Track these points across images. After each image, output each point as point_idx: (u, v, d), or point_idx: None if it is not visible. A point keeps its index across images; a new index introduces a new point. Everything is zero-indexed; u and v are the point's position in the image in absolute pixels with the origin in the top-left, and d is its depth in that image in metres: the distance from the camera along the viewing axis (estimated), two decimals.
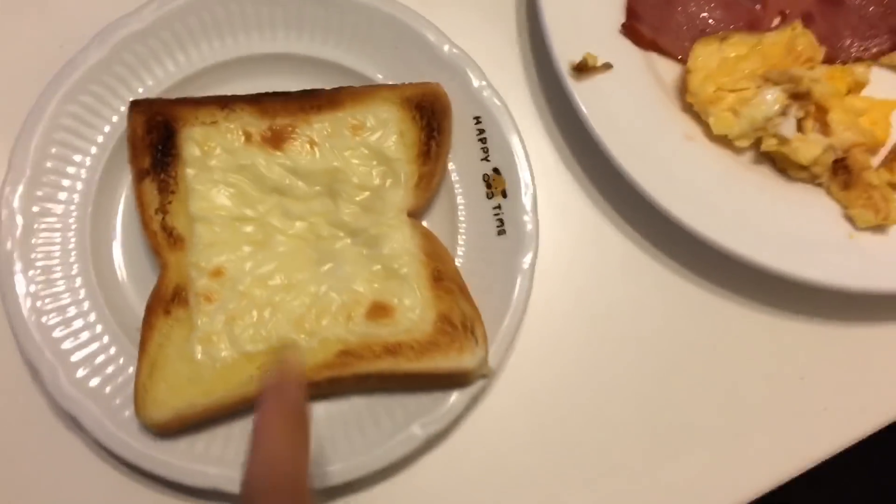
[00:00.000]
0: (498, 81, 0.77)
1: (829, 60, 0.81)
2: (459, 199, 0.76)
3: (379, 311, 0.70)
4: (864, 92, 0.81)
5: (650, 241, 0.77)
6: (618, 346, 0.75)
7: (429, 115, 0.74)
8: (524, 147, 0.75)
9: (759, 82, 0.76)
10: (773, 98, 0.75)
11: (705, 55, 0.78)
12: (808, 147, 0.75)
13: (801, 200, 0.76)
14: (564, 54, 0.76)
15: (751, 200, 0.75)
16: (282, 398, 0.50)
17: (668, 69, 0.80)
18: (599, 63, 0.76)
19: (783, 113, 0.75)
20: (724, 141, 0.77)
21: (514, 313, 0.72)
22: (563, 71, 0.75)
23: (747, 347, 0.75)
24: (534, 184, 0.74)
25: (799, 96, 0.75)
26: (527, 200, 0.74)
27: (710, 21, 0.81)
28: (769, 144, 0.76)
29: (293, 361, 0.53)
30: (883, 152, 0.80)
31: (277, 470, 0.46)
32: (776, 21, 0.82)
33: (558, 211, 0.78)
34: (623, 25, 0.78)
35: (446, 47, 0.76)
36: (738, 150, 0.78)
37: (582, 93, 0.75)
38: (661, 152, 0.75)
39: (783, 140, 0.75)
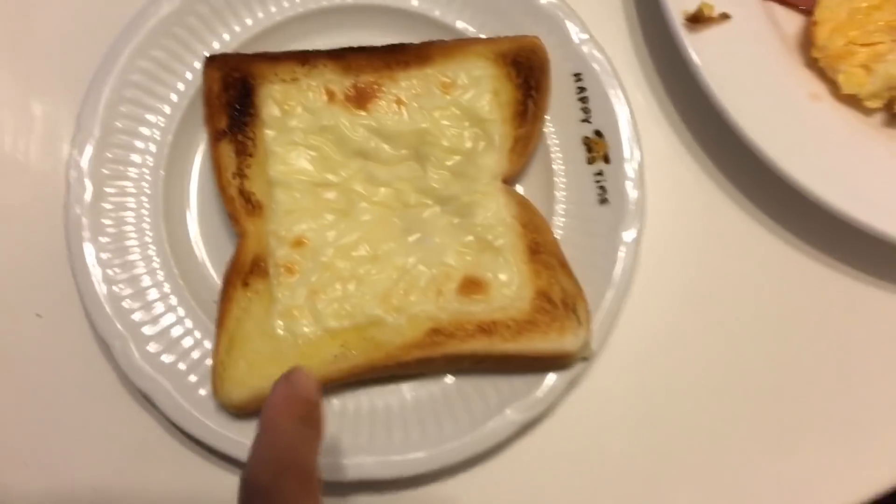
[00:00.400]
0: (600, 34, 0.71)
1: None
2: (558, 165, 0.70)
3: (472, 286, 0.64)
4: None
5: (768, 213, 0.71)
6: (729, 329, 0.69)
7: (526, 71, 0.67)
8: (629, 108, 0.68)
9: (893, 35, 0.67)
10: None
11: (834, 5, 0.70)
12: None
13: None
14: (677, 3, 0.68)
15: (882, 168, 0.68)
16: (292, 390, 0.47)
17: (791, 21, 0.72)
18: (716, 13, 0.68)
19: None
20: (853, 101, 0.70)
21: (617, 290, 0.66)
22: (675, 21, 0.68)
23: (875, 332, 0.68)
24: (640, 149, 0.67)
25: None
26: (631, 167, 0.67)
27: None
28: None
29: (304, 372, 0.49)
30: None
31: (283, 456, 0.43)
32: None
33: (667, 178, 0.72)
34: None
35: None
36: (869, 112, 0.70)
37: (697, 46, 0.68)
38: (783, 113, 0.68)
39: None
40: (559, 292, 0.64)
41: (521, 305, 0.64)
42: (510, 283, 0.64)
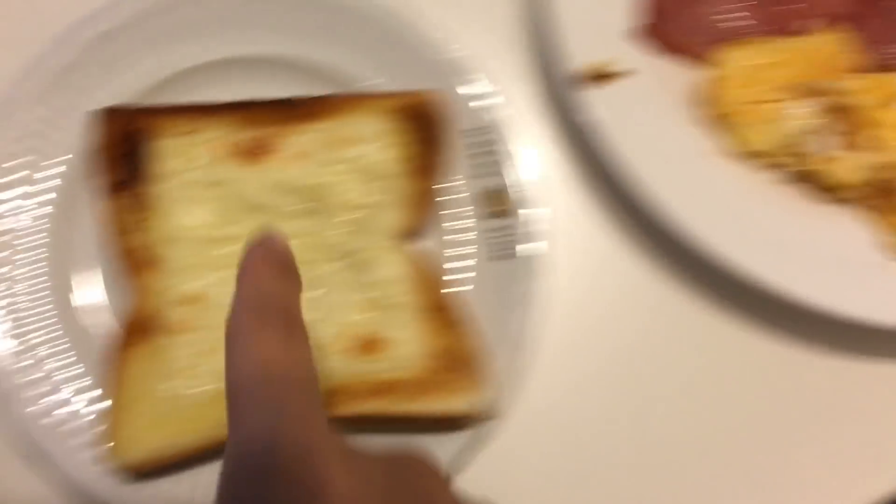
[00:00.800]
0: (507, 88, 0.70)
1: (881, 68, 0.73)
2: (461, 219, 0.69)
3: (370, 345, 0.63)
4: None
5: (677, 269, 0.71)
6: (641, 384, 0.69)
7: (425, 126, 0.67)
8: (533, 161, 0.68)
9: (793, 93, 0.68)
10: (809, 111, 0.67)
11: (736, 62, 0.70)
12: (850, 166, 0.67)
13: (834, 225, 0.69)
14: (577, 59, 0.68)
15: (778, 224, 0.68)
16: (267, 246, 0.44)
17: (690, 77, 0.72)
18: (614, 70, 0.69)
19: (820, 128, 0.67)
20: (748, 157, 0.70)
21: (522, 347, 0.65)
22: (574, 78, 0.67)
23: (789, 392, 0.69)
24: (544, 202, 0.67)
25: (839, 110, 0.68)
26: (535, 220, 0.67)
27: (747, 23, 0.74)
28: (802, 163, 0.68)
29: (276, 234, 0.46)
30: None
31: (266, 300, 0.41)
32: (821, 23, 0.74)
33: (572, 232, 0.71)
34: (647, 26, 0.70)
35: (447, 51, 0.69)
36: (765, 168, 0.70)
37: (596, 103, 0.68)
38: (682, 170, 0.68)
39: (818, 158, 0.68)
40: (458, 351, 0.63)
41: (420, 364, 0.63)
42: (408, 342, 0.63)
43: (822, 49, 0.70)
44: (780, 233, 0.68)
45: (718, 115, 0.70)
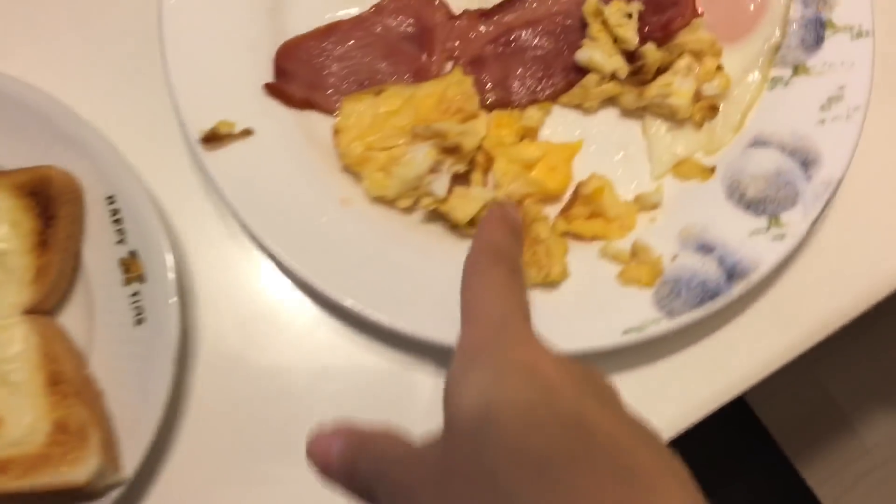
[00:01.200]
0: (139, 154, 0.72)
1: (503, 105, 0.76)
2: (96, 289, 0.70)
3: None
4: (551, 134, 0.76)
5: (335, 317, 0.72)
6: (297, 432, 0.69)
7: (45, 201, 0.67)
8: (164, 225, 0.69)
9: (408, 138, 0.70)
10: (422, 155, 0.69)
11: (357, 112, 0.72)
12: (466, 204, 0.70)
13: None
14: (196, 122, 0.70)
15: (412, 266, 0.70)
16: (504, 213, 0.57)
17: (328, 127, 0.74)
18: (238, 129, 0.70)
19: (434, 170, 0.70)
20: (386, 201, 0.72)
21: (155, 409, 0.66)
22: (195, 141, 0.69)
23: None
24: (180, 265, 0.69)
25: (451, 150, 0.70)
26: (168, 284, 0.68)
27: (375, 73, 0.76)
28: (426, 203, 0.71)
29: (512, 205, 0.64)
30: (566, 199, 0.74)
31: (499, 248, 0.53)
32: (448, 67, 0.77)
33: (222, 290, 0.73)
34: (267, 86, 0.72)
35: (73, 123, 0.70)
36: (406, 210, 0.72)
37: (218, 163, 0.69)
38: (312, 222, 0.70)
39: (440, 198, 0.70)
40: (76, 422, 0.63)
41: (35, 440, 0.63)
42: (24, 418, 0.64)
43: (447, 92, 0.73)
44: (409, 273, 0.70)
45: (347, 165, 0.72)
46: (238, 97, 0.72)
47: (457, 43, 0.78)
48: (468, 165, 0.73)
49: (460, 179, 0.73)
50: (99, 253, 0.70)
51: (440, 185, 0.70)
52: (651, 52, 0.73)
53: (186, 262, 0.73)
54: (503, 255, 0.52)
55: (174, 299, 0.67)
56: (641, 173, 0.76)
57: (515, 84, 0.77)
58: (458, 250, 0.71)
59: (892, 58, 0.80)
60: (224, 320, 0.73)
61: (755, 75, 0.76)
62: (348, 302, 0.67)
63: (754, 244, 0.71)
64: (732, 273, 0.69)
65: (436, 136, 0.70)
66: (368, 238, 0.71)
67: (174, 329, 0.67)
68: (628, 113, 0.77)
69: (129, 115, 0.75)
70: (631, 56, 0.74)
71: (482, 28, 0.78)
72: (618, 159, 0.76)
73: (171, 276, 0.68)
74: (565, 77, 0.77)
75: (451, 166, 0.71)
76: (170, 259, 0.68)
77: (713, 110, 0.75)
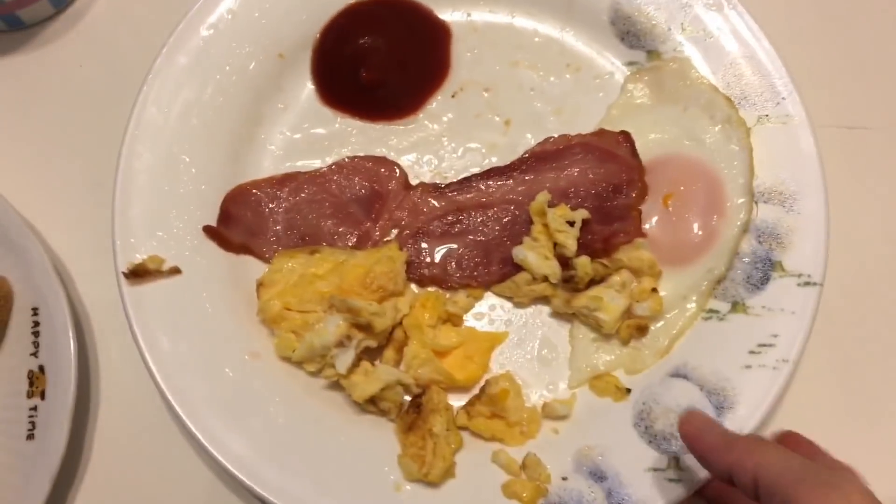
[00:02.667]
0: (77, 263, 0.75)
1: (437, 283, 0.76)
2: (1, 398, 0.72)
3: None
4: (479, 323, 0.76)
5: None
6: None
7: None
8: (76, 344, 0.71)
9: (326, 306, 0.71)
10: (333, 327, 0.70)
11: (286, 269, 0.74)
12: (368, 382, 0.70)
13: (363, 438, 0.71)
14: (128, 253, 0.72)
15: (300, 436, 0.71)
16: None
17: (261, 274, 0.75)
18: (166, 267, 0.72)
19: (342, 344, 0.70)
20: (294, 363, 0.73)
21: None
22: (121, 272, 0.71)
23: None
24: (81, 386, 0.71)
25: (363, 327, 0.71)
26: (64, 404, 0.70)
27: (317, 230, 0.77)
28: (329, 374, 0.71)
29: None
30: (476, 390, 0.74)
31: None
32: (393, 234, 0.78)
33: (123, 414, 0.76)
34: (205, 228, 0.74)
35: (17, 230, 0.74)
36: (313, 374, 0.73)
37: (136, 297, 0.71)
38: (215, 370, 0.71)
39: (344, 371, 0.70)
40: None
41: None
42: None
43: (375, 267, 0.73)
44: (296, 444, 0.70)
45: (263, 320, 0.73)
46: (176, 234, 0.74)
47: (405, 213, 0.78)
48: (384, 340, 0.73)
49: (375, 353, 0.74)
50: (12, 360, 0.73)
51: (343, 361, 0.71)
52: (583, 265, 0.72)
53: (98, 380, 0.75)
54: None
55: (66, 425, 0.69)
56: (559, 378, 0.75)
57: (452, 265, 0.77)
58: (354, 423, 0.71)
59: (837, 313, 0.77)
60: (120, 445, 0.74)
61: (692, 304, 0.75)
62: (227, 464, 0.67)
63: (648, 483, 0.69)
64: None
65: (350, 311, 0.70)
66: (266, 397, 0.72)
67: (59, 451, 0.69)
68: (561, 313, 0.76)
69: (77, 228, 0.77)
70: (567, 262, 0.74)
71: (434, 203, 0.79)
72: (539, 358, 0.76)
73: (70, 402, 0.70)
74: (501, 269, 0.77)
75: (362, 341, 0.72)
76: (72, 385, 0.70)
77: (642, 331, 0.74)
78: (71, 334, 0.71)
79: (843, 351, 0.77)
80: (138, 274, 0.72)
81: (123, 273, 0.72)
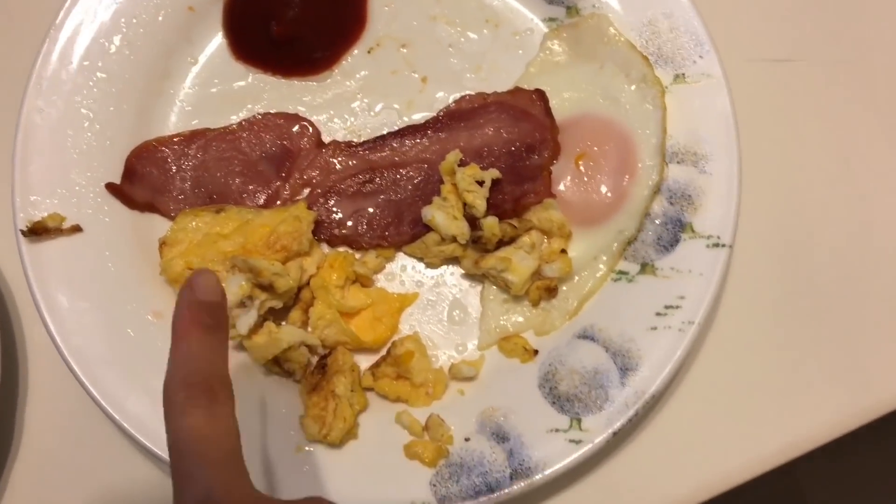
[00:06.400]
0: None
1: (348, 244, 0.76)
2: None
3: None
4: (390, 283, 0.75)
5: None
6: None
7: None
8: None
9: (230, 267, 0.70)
10: (235, 287, 0.69)
11: (190, 228, 0.73)
12: (271, 343, 0.69)
13: (266, 400, 0.71)
14: (27, 212, 0.71)
15: None
16: (195, 296, 0.52)
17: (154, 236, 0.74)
18: (66, 225, 0.71)
19: (244, 304, 0.69)
20: None
21: None
22: (19, 230, 0.70)
23: None
24: (7, 364, 0.72)
25: (266, 288, 0.70)
26: None
27: (225, 188, 0.76)
28: (232, 335, 0.70)
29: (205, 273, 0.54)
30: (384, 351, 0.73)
31: (193, 367, 0.50)
32: (304, 193, 0.77)
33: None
34: (108, 185, 0.73)
35: None
36: None
37: (36, 255, 0.70)
38: (117, 329, 0.70)
39: (247, 332, 0.70)
40: None
41: None
42: None
43: (280, 227, 0.72)
44: None
45: (166, 279, 0.72)
46: (79, 192, 0.73)
47: (316, 172, 0.77)
48: (291, 301, 0.72)
49: (280, 313, 0.73)
50: None
51: (244, 322, 0.70)
52: (490, 226, 0.72)
53: (25, 352, 0.75)
54: (199, 378, 0.50)
55: None
56: (468, 339, 0.75)
57: (363, 225, 0.76)
58: (260, 384, 0.71)
59: (749, 276, 0.77)
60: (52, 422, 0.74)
61: (602, 265, 0.74)
62: (124, 423, 0.67)
63: (549, 443, 0.69)
64: (517, 470, 0.68)
65: (251, 271, 0.69)
66: (167, 356, 0.71)
67: None
68: (472, 274, 0.76)
69: None
70: (476, 222, 0.73)
71: (346, 161, 0.78)
72: (450, 319, 0.75)
73: None
74: (412, 229, 0.76)
75: (265, 302, 0.71)
76: None
77: (551, 292, 0.74)
78: None
79: (753, 315, 0.77)
80: (37, 232, 0.70)
81: (22, 231, 0.70)
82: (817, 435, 0.74)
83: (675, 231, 0.74)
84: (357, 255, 0.76)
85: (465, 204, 0.73)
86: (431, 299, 0.76)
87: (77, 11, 0.77)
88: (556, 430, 0.69)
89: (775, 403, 0.75)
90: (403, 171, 0.77)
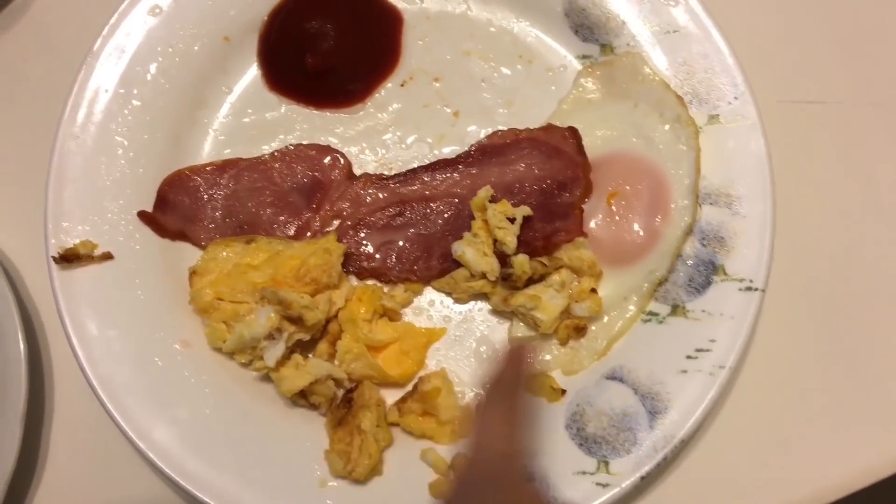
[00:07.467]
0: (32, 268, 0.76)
1: (377, 276, 0.75)
2: None
3: None
4: (418, 318, 0.75)
5: None
6: None
7: None
8: (26, 347, 0.71)
9: (259, 298, 0.70)
10: (264, 318, 0.69)
11: (221, 258, 0.73)
12: (297, 376, 0.69)
13: (291, 433, 0.70)
14: (59, 238, 0.71)
15: (228, 428, 0.70)
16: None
17: (195, 261, 0.74)
18: (98, 252, 0.71)
19: (272, 337, 0.69)
20: (225, 352, 0.72)
21: None
22: (50, 256, 0.70)
23: None
24: (34, 387, 0.73)
25: (294, 320, 0.69)
26: (16, 411, 0.71)
27: (256, 218, 0.76)
28: (259, 367, 0.70)
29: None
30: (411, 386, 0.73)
31: None
32: (334, 225, 0.76)
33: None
34: (140, 214, 0.73)
35: None
36: (245, 365, 0.72)
37: (66, 282, 0.70)
38: (144, 358, 0.70)
39: (273, 364, 0.70)
40: None
41: None
42: None
43: (311, 259, 0.72)
44: (223, 436, 0.69)
45: (195, 309, 0.72)
46: (111, 219, 0.73)
47: (347, 204, 0.77)
48: (318, 333, 0.72)
49: (311, 345, 0.73)
50: None
51: (272, 354, 0.70)
52: (521, 263, 0.71)
53: (52, 377, 0.75)
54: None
55: (18, 431, 0.70)
56: None
57: (392, 259, 0.76)
58: (285, 416, 0.70)
59: (780, 320, 0.76)
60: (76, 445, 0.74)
61: (632, 305, 0.73)
62: (149, 453, 0.67)
63: (575, 486, 0.68)
64: None
65: (280, 303, 0.69)
66: (195, 387, 0.71)
67: (12, 456, 0.70)
68: (500, 311, 0.75)
69: (27, 227, 0.77)
70: (507, 259, 0.72)
71: (377, 194, 0.77)
72: (476, 355, 0.75)
73: (21, 408, 0.70)
74: (441, 264, 0.75)
75: (293, 335, 0.71)
76: (23, 390, 0.70)
77: (580, 331, 0.73)
78: (20, 337, 0.71)
79: (785, 359, 0.76)
80: (69, 258, 0.70)
81: (53, 257, 0.70)
82: (849, 482, 0.73)
83: (707, 273, 0.73)
84: (385, 289, 0.75)
85: (495, 240, 0.73)
86: (459, 335, 0.75)
87: (114, 39, 0.77)
88: (584, 473, 0.69)
89: (806, 449, 0.74)
90: (434, 206, 0.77)
